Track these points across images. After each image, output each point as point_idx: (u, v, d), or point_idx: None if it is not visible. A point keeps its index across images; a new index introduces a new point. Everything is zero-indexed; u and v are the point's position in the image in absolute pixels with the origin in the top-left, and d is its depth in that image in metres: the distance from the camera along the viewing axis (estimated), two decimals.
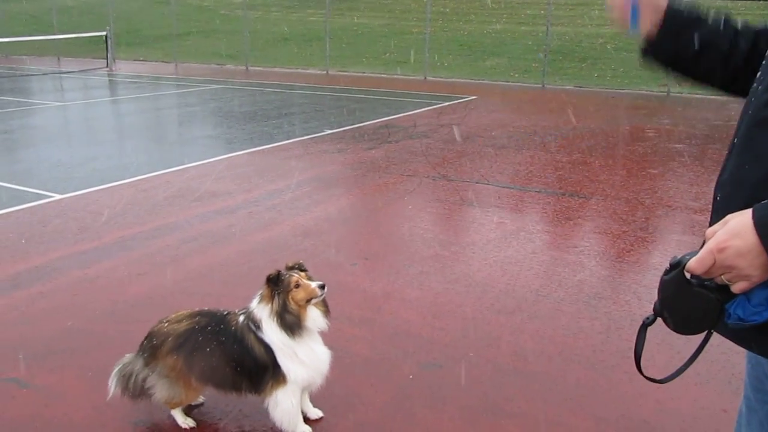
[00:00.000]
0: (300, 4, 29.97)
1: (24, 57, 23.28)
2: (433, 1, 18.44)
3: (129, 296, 3.66)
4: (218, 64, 20.66)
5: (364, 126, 9.44)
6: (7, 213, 5.14)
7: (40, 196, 5.58)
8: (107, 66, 19.64)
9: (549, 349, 3.15)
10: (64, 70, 19.15)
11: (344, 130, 9.03)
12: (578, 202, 5.79)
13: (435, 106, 11.76)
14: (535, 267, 4.25)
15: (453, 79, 16.71)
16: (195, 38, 24.81)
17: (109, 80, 16.84)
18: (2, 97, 12.81)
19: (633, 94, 14.48)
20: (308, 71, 18.80)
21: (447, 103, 12.20)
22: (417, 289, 3.84)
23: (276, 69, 19.38)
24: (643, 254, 4.61)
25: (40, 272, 3.99)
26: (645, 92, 14.79)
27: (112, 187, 5.93)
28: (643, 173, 6.92)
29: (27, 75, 18.19)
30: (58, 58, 22.51)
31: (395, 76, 17.38)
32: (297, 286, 2.31)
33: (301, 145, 8.00)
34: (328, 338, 3.21)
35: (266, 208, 5.39)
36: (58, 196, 5.57)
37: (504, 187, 6.22)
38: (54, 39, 21.32)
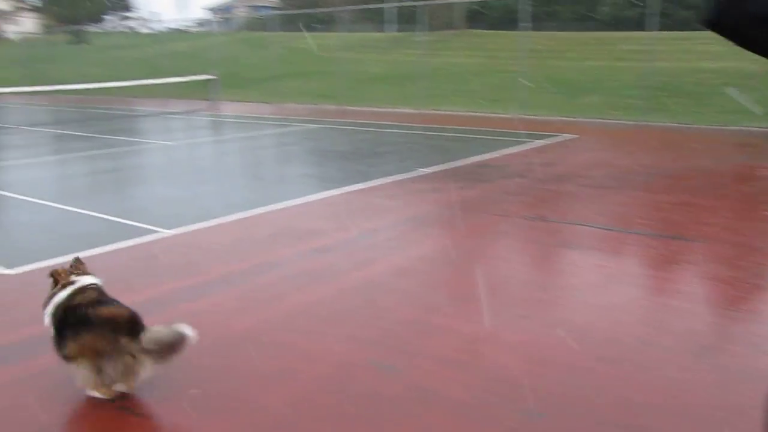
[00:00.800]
0: (394, 45, 30.62)
1: (136, 99, 24.87)
2: (527, 38, 18.40)
3: (232, 331, 3.78)
4: (315, 104, 21.32)
5: (458, 165, 9.46)
6: (120, 247, 5.44)
7: (150, 231, 5.89)
8: (211, 107, 20.66)
9: (656, 402, 3.00)
10: (171, 111, 20.29)
11: (438, 170, 9.07)
12: (684, 246, 5.55)
13: (530, 145, 11.65)
14: (638, 313, 4.09)
15: (548, 117, 16.52)
16: (293, 79, 25.75)
17: (213, 120, 17.69)
18: (116, 137, 13.70)
19: (740, 132, 13.82)
20: (402, 110, 19.08)
21: (543, 142, 12.06)
22: (515, 333, 3.77)
23: (370, 108, 19.78)
24: (759, 303, 4.35)
25: (150, 304, 4.17)
26: (754, 129, 14.08)
27: (216, 224, 6.18)
28: (755, 215, 6.57)
29: (138, 116, 19.42)
30: (167, 100, 23.88)
31: (490, 115, 17.36)
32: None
33: (396, 185, 8.09)
34: (423, 379, 3.21)
35: (363, 247, 5.47)
36: (167, 232, 5.86)
37: (604, 229, 6.04)
38: (164, 83, 22.66)
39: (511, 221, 6.36)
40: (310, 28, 40.89)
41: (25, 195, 7.59)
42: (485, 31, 32.52)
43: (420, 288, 4.55)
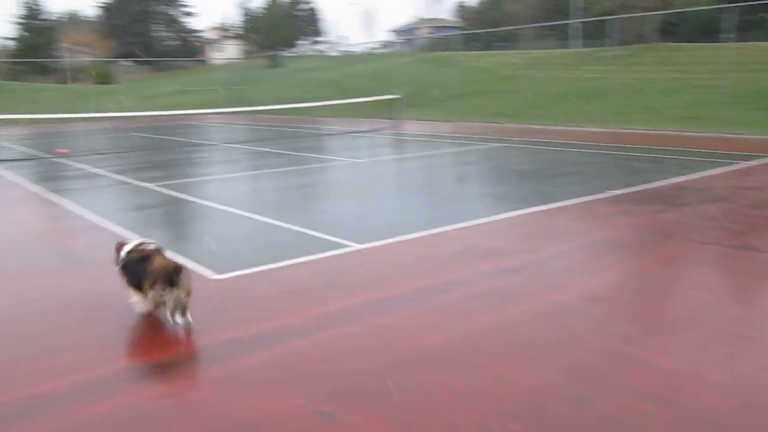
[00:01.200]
0: (579, 61, 29.72)
1: (325, 118, 26.30)
2: (730, 50, 16.99)
3: (421, 346, 3.83)
4: (496, 123, 21.22)
5: (651, 187, 8.91)
6: (313, 259, 5.73)
7: (340, 245, 6.14)
8: (395, 126, 21.29)
9: None
10: (357, 129, 21.18)
11: (629, 192, 8.60)
12: None
13: (734, 167, 10.70)
14: None
15: (755, 136, 15.10)
16: (475, 98, 25.87)
17: (396, 139, 18.20)
18: (307, 154, 14.56)
19: None
20: (588, 129, 18.40)
21: (749, 163, 11.03)
22: (724, 373, 3.45)
23: (554, 127, 19.30)
24: None
25: (341, 316, 4.36)
26: None
27: (402, 239, 6.32)
28: None
29: (327, 134, 20.48)
30: (353, 119, 24.99)
31: (687, 133, 16.21)
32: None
33: (583, 206, 7.79)
34: (619, 413, 3.02)
35: (551, 269, 5.30)
36: (356, 246, 6.08)
37: None
38: (350, 103, 23.77)
39: (713, 249, 5.86)
40: (492, 47, 41.00)
41: (227, 206, 8.28)
42: (680, 43, 30.58)
43: (614, 316, 4.32)
